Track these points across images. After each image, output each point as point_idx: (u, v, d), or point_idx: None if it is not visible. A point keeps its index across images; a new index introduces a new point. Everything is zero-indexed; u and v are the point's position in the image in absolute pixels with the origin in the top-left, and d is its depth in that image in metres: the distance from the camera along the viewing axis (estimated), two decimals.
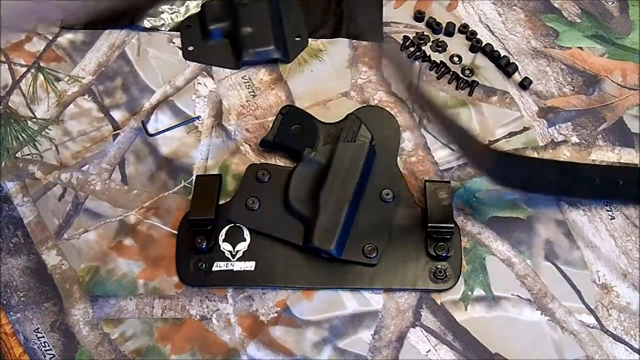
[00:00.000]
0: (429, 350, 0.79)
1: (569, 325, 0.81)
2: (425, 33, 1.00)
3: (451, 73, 0.97)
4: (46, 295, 0.82)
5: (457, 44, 1.00)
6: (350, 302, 0.82)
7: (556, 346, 0.79)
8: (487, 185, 0.88)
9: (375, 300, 0.82)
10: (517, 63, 0.97)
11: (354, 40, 1.00)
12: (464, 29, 1.00)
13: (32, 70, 0.98)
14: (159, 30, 1.01)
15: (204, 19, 0.99)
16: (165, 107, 0.95)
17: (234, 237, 0.83)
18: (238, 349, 0.79)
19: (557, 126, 0.93)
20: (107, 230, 0.86)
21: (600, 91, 0.95)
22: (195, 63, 0.98)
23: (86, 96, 0.96)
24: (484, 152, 0.85)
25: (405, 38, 1.00)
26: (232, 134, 0.93)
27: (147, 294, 0.82)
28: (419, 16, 1.02)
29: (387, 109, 0.93)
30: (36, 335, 0.80)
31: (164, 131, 0.93)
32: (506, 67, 0.97)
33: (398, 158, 0.90)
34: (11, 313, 0.81)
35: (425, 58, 0.98)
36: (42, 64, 0.98)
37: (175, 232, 0.85)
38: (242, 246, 0.83)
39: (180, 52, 0.99)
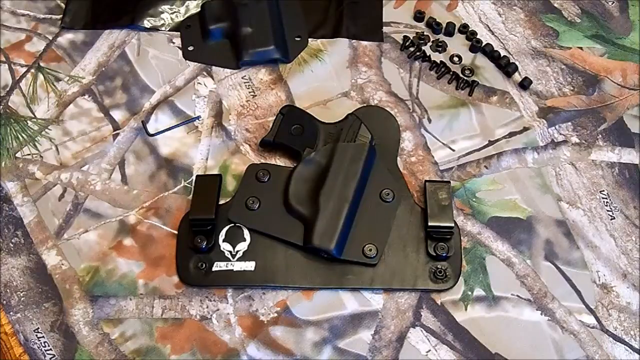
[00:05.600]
0: (429, 350, 0.79)
1: (569, 325, 0.81)
2: (425, 33, 1.00)
3: (451, 73, 0.97)
4: (46, 295, 0.82)
5: (457, 44, 1.00)
6: (350, 302, 0.82)
7: (556, 346, 0.79)
8: (487, 185, 0.89)
9: (375, 300, 0.82)
10: (517, 63, 0.97)
11: (354, 40, 1.00)
12: (464, 29, 1.00)
13: (32, 70, 0.98)
14: (159, 30, 1.01)
15: (204, 19, 0.99)
16: (165, 107, 0.95)
17: (234, 237, 0.83)
18: (238, 349, 0.79)
19: (557, 126, 0.93)
20: (107, 230, 0.86)
21: (600, 91, 0.95)
22: (195, 63, 0.98)
23: (86, 96, 0.96)
24: None
25: (405, 38, 1.00)
26: (232, 134, 0.93)
27: (147, 294, 0.82)
28: (419, 16, 1.02)
29: (387, 109, 0.93)
30: (36, 335, 0.80)
31: (164, 131, 0.93)
32: (506, 67, 0.97)
33: (398, 158, 0.90)
34: (11, 313, 0.81)
35: (425, 58, 0.98)
36: (42, 64, 0.98)
37: (175, 232, 0.85)
38: (242, 246, 0.83)
39: (180, 52, 0.99)
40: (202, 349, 0.79)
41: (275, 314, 0.81)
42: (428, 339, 0.80)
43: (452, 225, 0.82)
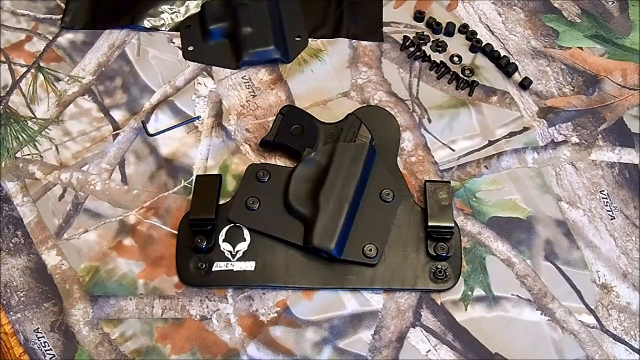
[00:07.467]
0: (429, 350, 0.79)
1: (569, 325, 0.81)
2: (425, 33, 1.00)
3: (451, 73, 0.97)
4: (46, 295, 0.82)
5: (457, 44, 1.00)
6: (350, 302, 0.82)
7: (556, 346, 0.79)
8: (487, 185, 0.89)
9: (375, 300, 0.82)
10: (517, 63, 0.97)
11: (354, 40, 1.00)
12: (464, 29, 1.00)
13: (32, 70, 0.98)
14: (159, 30, 1.01)
15: (204, 19, 0.99)
16: (165, 107, 0.95)
17: (234, 237, 0.83)
18: (238, 349, 0.79)
19: (557, 126, 0.93)
20: (107, 230, 0.86)
21: (600, 91, 0.95)
22: (195, 63, 0.98)
23: (86, 96, 0.96)
24: None
25: (405, 38, 1.00)
26: (232, 134, 0.93)
27: (147, 294, 0.82)
28: (419, 16, 1.02)
29: (387, 109, 0.93)
30: (36, 335, 0.80)
31: (164, 131, 0.93)
32: (506, 67, 0.97)
33: (398, 158, 0.90)
34: (11, 313, 0.81)
35: (425, 58, 0.98)
36: (42, 64, 0.98)
37: (175, 232, 0.85)
38: (242, 246, 0.83)
39: (180, 52, 0.99)
40: (202, 349, 0.79)
41: (275, 314, 0.81)
42: (428, 339, 0.80)
43: (452, 225, 0.82)
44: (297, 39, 0.99)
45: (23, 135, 0.93)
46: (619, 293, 0.82)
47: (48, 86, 0.96)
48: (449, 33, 1.01)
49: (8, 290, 0.83)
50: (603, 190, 0.89)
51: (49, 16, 1.02)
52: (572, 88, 0.96)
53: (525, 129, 0.93)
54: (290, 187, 0.84)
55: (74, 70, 0.98)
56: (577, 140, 0.92)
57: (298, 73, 0.97)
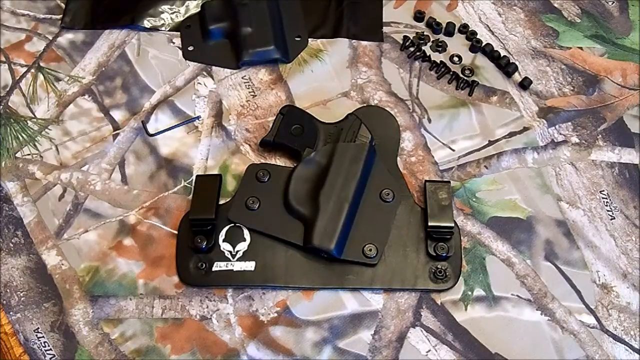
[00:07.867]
0: (429, 350, 0.79)
1: (569, 325, 0.81)
2: (425, 33, 1.00)
3: (451, 73, 0.97)
4: (46, 295, 0.82)
5: (457, 44, 1.00)
6: (350, 302, 0.82)
7: (556, 346, 0.79)
8: (487, 185, 0.89)
9: (375, 300, 0.82)
10: (517, 63, 0.97)
11: (354, 40, 1.00)
12: (464, 29, 1.00)
13: (32, 70, 0.98)
14: (159, 30, 1.01)
15: (204, 19, 0.99)
16: (165, 107, 0.95)
17: (234, 237, 0.83)
18: (238, 349, 0.79)
19: (557, 126, 0.93)
20: (107, 230, 0.86)
21: (600, 91, 0.95)
22: (195, 63, 0.98)
23: (86, 96, 0.96)
24: None
25: (405, 38, 1.00)
26: (232, 134, 0.93)
27: (147, 294, 0.82)
28: (419, 16, 1.02)
29: (387, 109, 0.93)
30: (36, 335, 0.80)
31: (164, 131, 0.93)
32: (506, 67, 0.97)
33: (398, 158, 0.90)
34: (11, 313, 0.81)
35: (425, 58, 0.98)
36: (42, 64, 0.98)
37: (175, 232, 0.85)
38: (242, 246, 0.83)
39: (180, 52, 0.99)
40: (202, 349, 0.79)
41: (275, 314, 0.81)
42: (428, 339, 0.80)
43: (452, 225, 0.82)
44: (297, 39, 0.99)
45: (23, 135, 0.93)
46: (619, 293, 0.82)
47: (48, 86, 0.96)
48: (449, 33, 1.01)
49: (8, 290, 0.83)
50: (603, 190, 0.89)
51: (49, 16, 1.02)
52: (572, 88, 0.96)
53: (525, 129, 0.93)
54: (290, 187, 0.84)
55: (74, 70, 0.98)
56: (577, 140, 0.92)
57: (298, 73, 0.97)
